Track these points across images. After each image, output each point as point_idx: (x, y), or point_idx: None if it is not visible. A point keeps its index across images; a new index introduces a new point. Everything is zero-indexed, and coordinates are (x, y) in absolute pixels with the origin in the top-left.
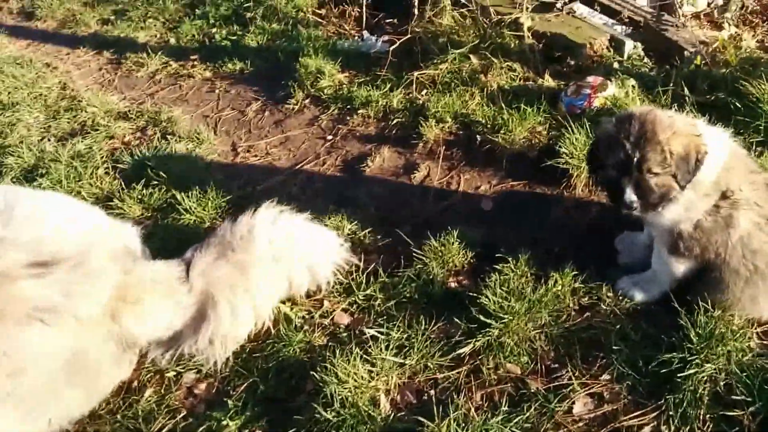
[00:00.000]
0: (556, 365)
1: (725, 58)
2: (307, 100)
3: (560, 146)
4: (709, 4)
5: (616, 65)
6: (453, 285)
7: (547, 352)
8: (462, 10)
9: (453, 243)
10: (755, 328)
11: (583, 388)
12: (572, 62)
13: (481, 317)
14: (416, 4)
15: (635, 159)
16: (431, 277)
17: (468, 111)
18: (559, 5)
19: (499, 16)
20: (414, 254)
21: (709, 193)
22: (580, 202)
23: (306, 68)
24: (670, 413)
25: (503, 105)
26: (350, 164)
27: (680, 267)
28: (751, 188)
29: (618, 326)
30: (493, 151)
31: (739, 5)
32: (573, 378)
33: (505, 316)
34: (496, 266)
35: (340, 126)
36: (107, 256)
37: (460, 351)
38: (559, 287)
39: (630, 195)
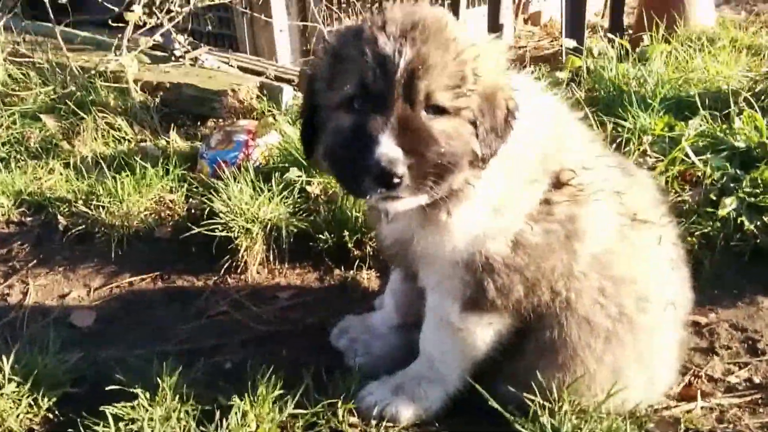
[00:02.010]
0: None
1: None
2: None
3: (211, 206)
4: None
5: (272, 119)
6: None
7: None
8: (23, 60)
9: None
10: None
11: None
12: (210, 118)
13: None
14: None
15: (401, 64)
16: None
17: (42, 189)
18: (178, 53)
19: (88, 63)
20: None
21: (534, 177)
22: (259, 289)
23: None
24: None
25: (107, 174)
26: None
27: (487, 333)
28: (601, 166)
29: None
30: (91, 238)
31: None
32: None
33: None
34: (114, 407)
35: None
36: None
37: None
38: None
39: (389, 146)
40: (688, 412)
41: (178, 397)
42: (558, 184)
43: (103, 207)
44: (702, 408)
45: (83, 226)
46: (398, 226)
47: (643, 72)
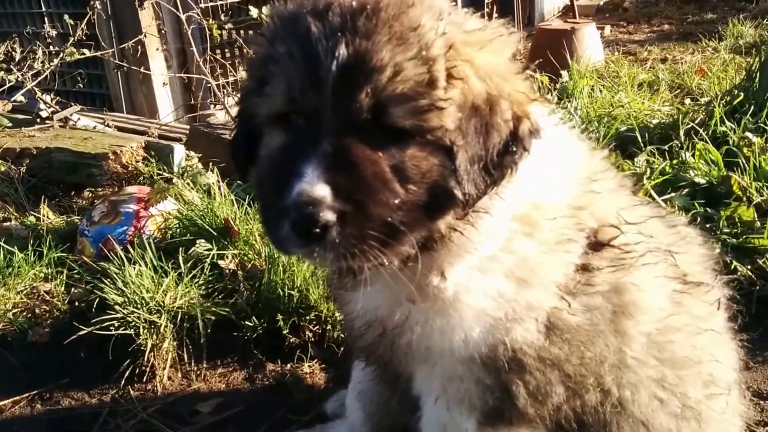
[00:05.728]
0: None
1: None
2: None
3: (102, 296)
4: None
5: (166, 183)
6: None
7: None
8: None
9: None
10: None
11: None
12: (87, 187)
13: None
14: None
15: (334, 67)
16: None
17: None
18: (44, 114)
19: None
20: None
21: (566, 235)
22: (173, 401)
23: None
24: None
25: None
26: None
27: None
28: (642, 219)
29: None
30: None
31: None
32: None
33: None
34: None
35: None
36: None
37: None
38: None
39: (311, 181)
40: None
41: None
42: (597, 245)
43: None
44: None
45: None
46: (378, 296)
47: (570, 109)
